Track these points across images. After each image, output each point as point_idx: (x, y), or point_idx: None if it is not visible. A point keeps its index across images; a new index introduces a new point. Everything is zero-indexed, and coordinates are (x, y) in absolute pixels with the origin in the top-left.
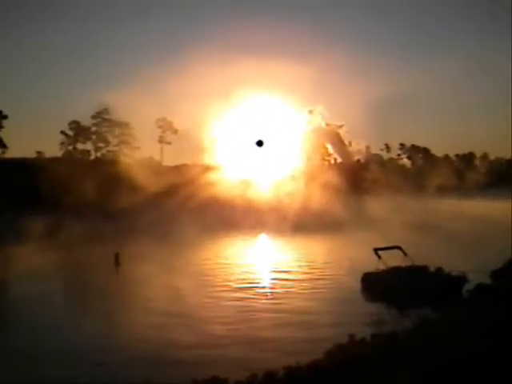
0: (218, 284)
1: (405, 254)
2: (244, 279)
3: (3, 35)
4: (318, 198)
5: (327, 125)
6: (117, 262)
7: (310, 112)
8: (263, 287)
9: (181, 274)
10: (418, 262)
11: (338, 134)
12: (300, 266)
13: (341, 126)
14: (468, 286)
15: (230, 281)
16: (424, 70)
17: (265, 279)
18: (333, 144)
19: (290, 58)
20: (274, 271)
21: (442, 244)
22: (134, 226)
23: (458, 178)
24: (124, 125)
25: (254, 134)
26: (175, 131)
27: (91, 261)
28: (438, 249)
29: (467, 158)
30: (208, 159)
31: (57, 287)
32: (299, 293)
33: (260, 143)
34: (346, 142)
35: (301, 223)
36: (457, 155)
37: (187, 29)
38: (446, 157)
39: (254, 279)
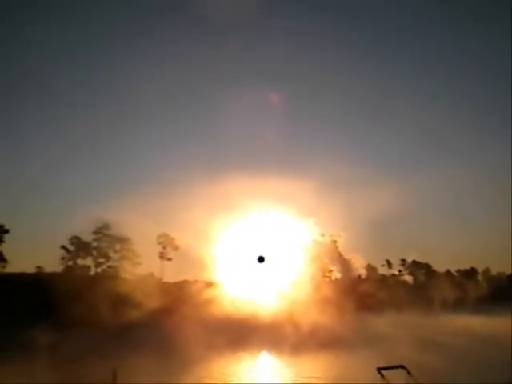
0: None
1: (409, 372)
2: None
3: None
4: (320, 316)
5: (323, 235)
6: (114, 382)
7: (310, 226)
8: None
9: None
10: (423, 381)
11: (337, 249)
12: None
13: (339, 236)
14: None
15: None
16: (425, 183)
17: None
18: (332, 259)
19: (289, 171)
20: None
21: (446, 361)
22: (134, 342)
23: (461, 294)
24: (125, 240)
25: (254, 249)
26: (176, 248)
27: (87, 379)
28: (442, 366)
29: (469, 274)
30: (209, 275)
31: None
32: None
33: (261, 259)
34: (346, 257)
35: (303, 341)
36: (458, 270)
37: (188, 142)
38: (448, 272)
39: None
